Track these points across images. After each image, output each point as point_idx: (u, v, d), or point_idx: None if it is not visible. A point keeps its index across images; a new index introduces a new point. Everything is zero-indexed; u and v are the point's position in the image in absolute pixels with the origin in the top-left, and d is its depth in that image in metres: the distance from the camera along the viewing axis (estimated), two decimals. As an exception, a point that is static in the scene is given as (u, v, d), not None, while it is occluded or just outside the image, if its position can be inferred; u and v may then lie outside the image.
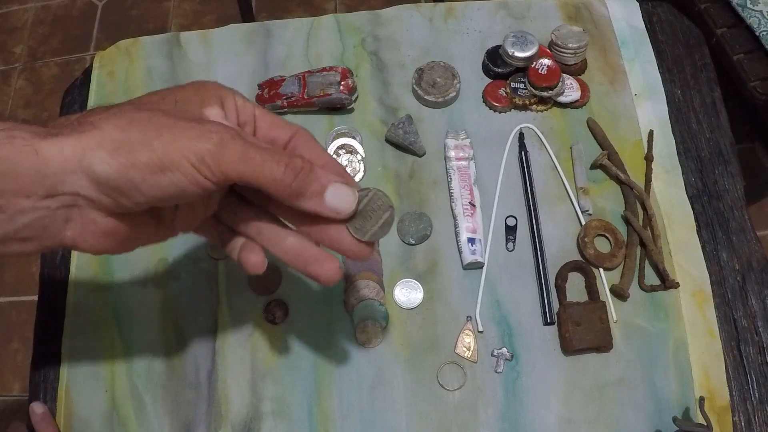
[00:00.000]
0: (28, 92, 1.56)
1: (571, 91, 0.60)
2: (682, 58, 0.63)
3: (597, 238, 0.55)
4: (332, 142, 0.59)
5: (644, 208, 0.56)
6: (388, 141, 0.60)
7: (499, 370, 0.51)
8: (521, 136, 0.59)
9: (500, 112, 0.61)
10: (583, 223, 0.55)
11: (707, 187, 0.57)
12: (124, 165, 0.29)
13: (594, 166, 0.58)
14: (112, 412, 0.52)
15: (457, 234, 0.55)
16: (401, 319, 0.53)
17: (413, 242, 0.55)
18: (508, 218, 0.56)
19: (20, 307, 1.32)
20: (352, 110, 0.61)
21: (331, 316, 0.53)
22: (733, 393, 0.50)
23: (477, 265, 0.54)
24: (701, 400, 0.48)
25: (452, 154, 0.58)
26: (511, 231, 0.56)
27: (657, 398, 0.50)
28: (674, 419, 0.46)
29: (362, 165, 0.58)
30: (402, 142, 0.58)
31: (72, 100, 0.66)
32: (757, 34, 0.89)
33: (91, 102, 0.64)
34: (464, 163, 0.57)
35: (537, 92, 0.59)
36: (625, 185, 0.56)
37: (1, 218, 0.29)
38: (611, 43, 0.63)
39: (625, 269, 0.53)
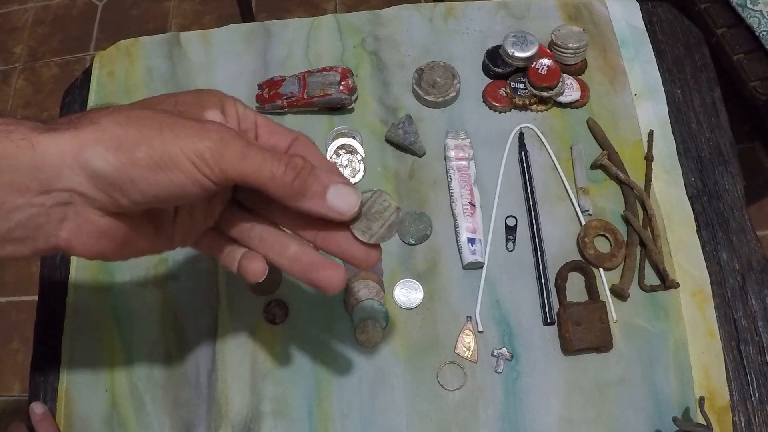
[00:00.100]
0: (28, 92, 1.56)
1: (571, 91, 0.60)
2: (682, 58, 0.63)
3: (597, 238, 0.55)
4: (332, 142, 0.59)
5: (644, 208, 0.56)
6: (388, 141, 0.60)
7: (499, 370, 0.51)
8: (521, 136, 0.59)
9: (500, 112, 0.61)
10: (583, 223, 0.55)
11: (707, 187, 0.57)
12: (122, 161, 0.29)
13: (594, 166, 0.58)
14: (112, 412, 0.52)
15: (457, 234, 0.55)
16: (401, 319, 0.53)
17: (413, 242, 0.55)
18: (508, 218, 0.56)
19: (20, 307, 1.32)
20: (352, 110, 0.61)
21: (331, 316, 0.53)
22: (733, 393, 0.50)
23: (477, 265, 0.54)
24: (701, 400, 0.48)
25: (452, 154, 0.58)
26: (511, 231, 0.56)
27: (657, 398, 0.50)
28: (674, 419, 0.46)
29: (362, 165, 0.58)
30: (402, 142, 0.58)
31: (72, 100, 0.66)
32: (757, 34, 0.89)
33: (91, 102, 0.64)
34: (464, 163, 0.57)
35: (537, 92, 0.59)
36: (625, 185, 0.56)
37: None
38: (611, 43, 0.63)
39: (625, 269, 0.53)
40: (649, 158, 0.58)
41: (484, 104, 0.61)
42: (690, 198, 0.57)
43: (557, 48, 0.60)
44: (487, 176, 0.58)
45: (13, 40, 1.64)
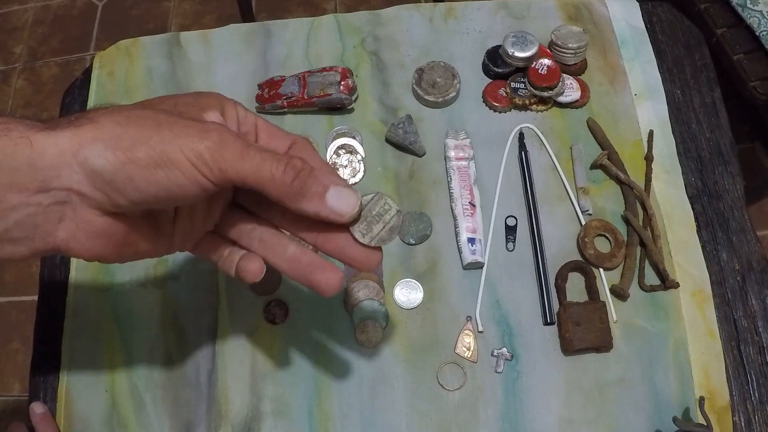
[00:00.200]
0: (28, 92, 1.56)
1: (571, 91, 0.60)
2: (682, 58, 0.63)
3: (597, 238, 0.55)
4: (332, 142, 0.59)
5: (644, 208, 0.56)
6: (388, 141, 0.60)
7: (499, 370, 0.51)
8: (521, 136, 0.59)
9: (500, 112, 0.61)
10: (583, 223, 0.55)
11: (707, 187, 0.57)
12: (121, 160, 0.29)
13: (594, 166, 0.58)
14: (112, 412, 0.52)
15: (457, 234, 0.55)
16: (401, 319, 0.53)
17: (413, 242, 0.55)
18: (508, 218, 0.56)
19: (20, 307, 1.32)
20: (352, 110, 0.61)
21: (331, 316, 0.53)
22: (733, 393, 0.50)
23: (477, 265, 0.54)
24: (701, 400, 0.48)
25: (452, 154, 0.58)
26: (511, 231, 0.56)
27: (657, 398, 0.50)
28: (674, 419, 0.46)
29: (362, 165, 0.58)
30: (402, 142, 0.58)
31: (72, 100, 0.66)
32: (757, 34, 0.89)
33: (91, 102, 0.64)
34: (464, 163, 0.57)
35: (537, 92, 0.59)
36: (625, 185, 0.56)
37: None
38: (611, 43, 0.63)
39: (625, 269, 0.53)
40: (649, 158, 0.58)
41: (484, 104, 0.61)
42: (690, 198, 0.57)
43: (557, 48, 0.60)
44: (487, 176, 0.58)
45: (13, 40, 1.64)
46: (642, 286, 0.53)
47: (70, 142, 0.28)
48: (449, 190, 0.57)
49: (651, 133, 0.59)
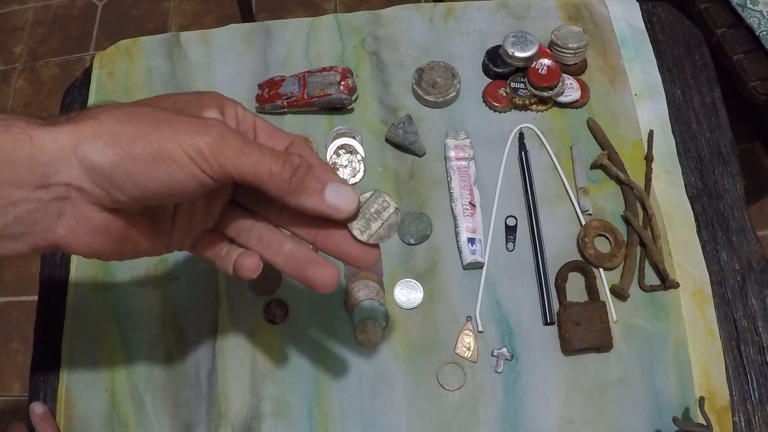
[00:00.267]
0: (28, 92, 1.56)
1: (571, 91, 0.60)
2: (682, 58, 0.63)
3: (597, 238, 0.55)
4: (332, 142, 0.59)
5: (644, 208, 0.56)
6: (388, 141, 0.60)
7: (499, 370, 0.51)
8: (521, 136, 0.59)
9: (500, 112, 0.61)
10: (583, 223, 0.55)
11: (707, 187, 0.57)
12: (120, 155, 0.29)
13: (594, 166, 0.58)
14: (112, 412, 0.52)
15: (457, 234, 0.55)
16: (401, 319, 0.53)
17: (413, 242, 0.55)
18: (508, 218, 0.56)
19: (20, 307, 1.32)
20: (352, 110, 0.61)
21: (331, 316, 0.53)
22: (733, 393, 0.50)
23: (477, 265, 0.54)
24: (701, 400, 0.48)
25: (452, 154, 0.58)
26: (511, 231, 0.56)
27: (657, 398, 0.50)
28: (674, 419, 0.46)
29: (362, 165, 0.58)
30: (402, 142, 0.58)
31: (72, 100, 0.66)
32: (757, 34, 0.89)
33: (91, 102, 0.64)
34: (464, 163, 0.57)
35: (537, 92, 0.59)
36: (625, 185, 0.56)
37: None
38: (611, 43, 0.63)
39: (625, 269, 0.53)
40: (649, 158, 0.58)
41: (484, 104, 0.61)
42: (690, 198, 0.57)
43: (557, 48, 0.60)
44: (487, 176, 0.58)
45: (13, 40, 1.64)
46: (642, 286, 0.53)
47: (70, 138, 0.29)
48: (449, 190, 0.57)
49: (651, 133, 0.59)
